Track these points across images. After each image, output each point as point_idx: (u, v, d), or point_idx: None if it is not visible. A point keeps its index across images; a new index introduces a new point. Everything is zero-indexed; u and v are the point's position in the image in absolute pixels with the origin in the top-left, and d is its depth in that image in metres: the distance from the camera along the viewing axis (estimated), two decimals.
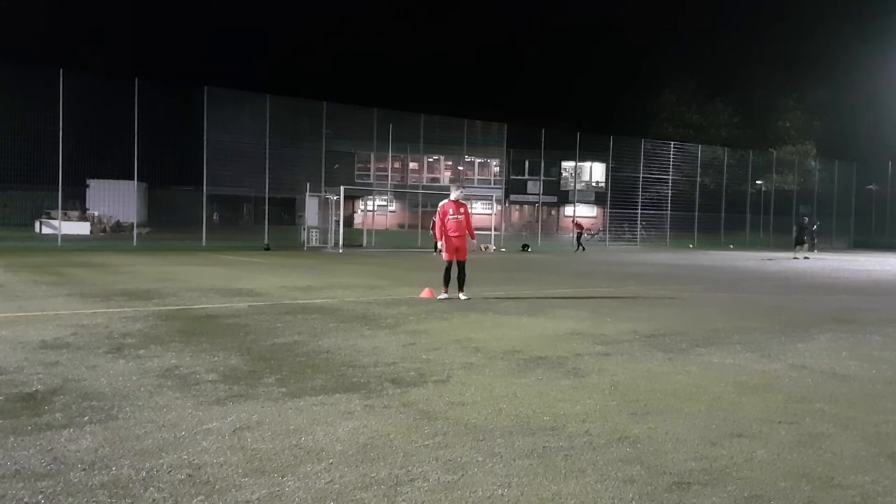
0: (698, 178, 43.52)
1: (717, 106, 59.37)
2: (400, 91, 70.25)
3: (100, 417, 4.37)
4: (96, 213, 35.97)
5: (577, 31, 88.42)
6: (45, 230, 30.94)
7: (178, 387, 5.17)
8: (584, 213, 51.39)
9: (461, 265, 11.33)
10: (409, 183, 43.41)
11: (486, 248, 31.27)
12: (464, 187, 12.13)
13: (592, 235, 46.23)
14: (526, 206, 57.19)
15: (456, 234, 11.29)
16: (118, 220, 36.25)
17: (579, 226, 35.20)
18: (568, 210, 51.09)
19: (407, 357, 6.46)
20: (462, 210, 11.33)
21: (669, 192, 41.71)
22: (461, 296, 11.14)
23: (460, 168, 48.51)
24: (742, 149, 49.40)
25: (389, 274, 16.59)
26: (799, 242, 30.48)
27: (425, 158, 47.97)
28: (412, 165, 44.59)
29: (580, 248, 33.04)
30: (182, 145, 28.62)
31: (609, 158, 40.82)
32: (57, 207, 27.56)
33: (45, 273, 14.42)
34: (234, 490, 3.32)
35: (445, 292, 11.21)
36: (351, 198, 44.70)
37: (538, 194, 45.89)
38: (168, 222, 34.35)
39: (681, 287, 14.76)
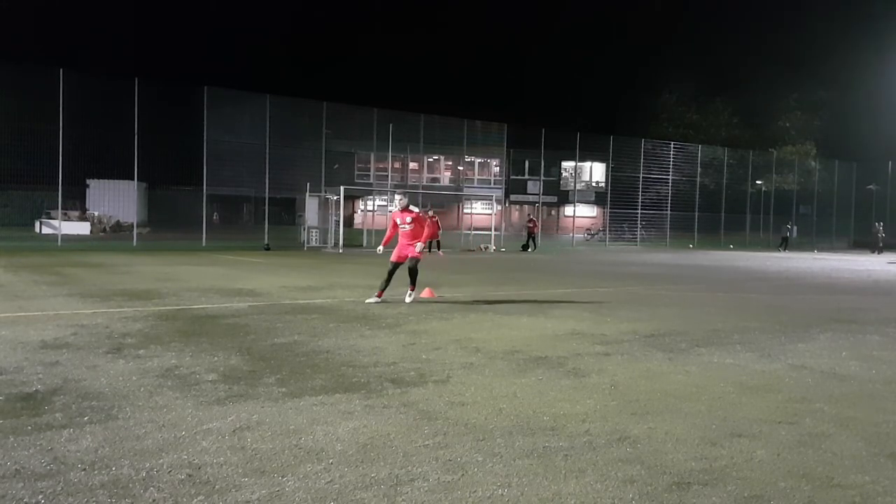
0: (698, 178, 43.49)
1: (717, 106, 59.38)
2: (400, 91, 70.24)
3: (100, 417, 4.37)
4: (96, 213, 35.94)
5: (578, 32, 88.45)
6: (46, 230, 30.93)
7: (178, 387, 5.17)
8: (585, 213, 51.39)
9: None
10: (409, 183, 43.38)
11: (486, 248, 31.27)
12: (404, 195, 11.56)
13: (592, 235, 46.23)
14: (526, 206, 57.18)
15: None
16: (118, 220, 36.22)
17: (533, 223, 34.21)
18: (568, 210, 51.06)
19: (407, 357, 6.46)
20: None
21: (669, 192, 41.68)
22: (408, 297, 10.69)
23: (460, 168, 48.51)
24: (742, 149, 49.39)
25: None
26: None
27: (425, 158, 47.93)
28: (412, 165, 44.56)
29: (532, 247, 31.54)
30: (182, 145, 28.58)
31: (609, 158, 40.80)
32: (57, 207, 27.54)
33: (45, 273, 14.41)
34: (234, 490, 3.32)
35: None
36: (351, 198, 44.71)
37: (538, 194, 45.86)
38: (168, 222, 34.32)
39: (681, 287, 14.76)
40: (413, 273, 10.81)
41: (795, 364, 6.62)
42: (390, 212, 12.27)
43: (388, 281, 10.73)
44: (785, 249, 37.40)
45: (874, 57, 52.15)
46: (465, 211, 42.38)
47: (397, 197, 11.45)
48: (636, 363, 6.47)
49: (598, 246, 39.73)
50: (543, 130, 37.85)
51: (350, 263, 20.03)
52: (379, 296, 10.63)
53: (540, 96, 76.22)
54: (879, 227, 38.82)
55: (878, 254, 35.97)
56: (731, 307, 11.19)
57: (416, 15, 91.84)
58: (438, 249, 26.07)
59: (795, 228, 39.80)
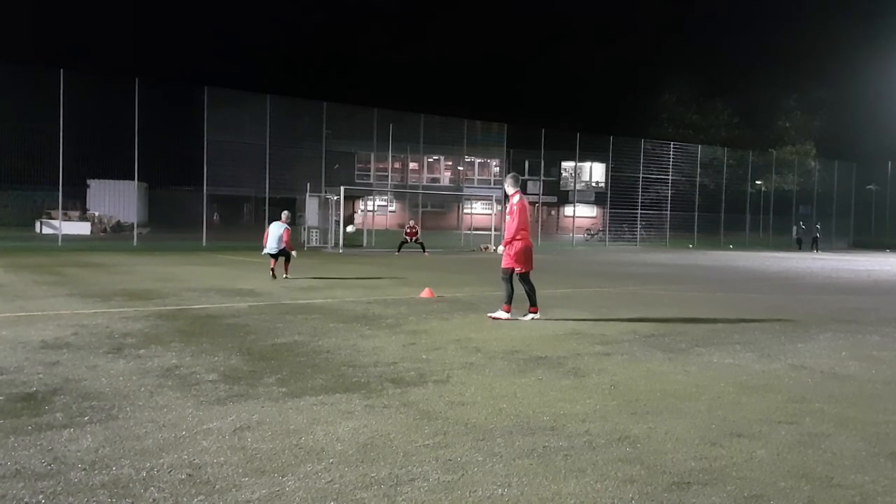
0: (698, 178, 43.49)
1: (717, 106, 59.34)
2: (400, 91, 70.28)
3: (100, 417, 4.38)
4: (97, 214, 35.94)
5: (578, 32, 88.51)
6: (46, 230, 30.91)
7: (178, 387, 5.18)
8: (584, 213, 51.36)
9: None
10: (409, 183, 43.38)
11: (486, 248, 31.29)
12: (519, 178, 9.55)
13: (592, 235, 46.22)
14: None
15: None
16: (118, 221, 36.21)
17: None
18: (568, 210, 51.01)
19: (407, 357, 6.46)
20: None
21: (669, 192, 41.67)
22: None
23: (460, 168, 48.51)
24: (742, 149, 49.37)
25: (389, 274, 16.58)
26: None
27: (425, 158, 47.90)
28: (412, 165, 44.54)
29: None
30: (182, 145, 28.60)
31: (609, 158, 40.79)
32: (57, 207, 27.54)
33: (45, 273, 14.41)
34: (234, 490, 3.32)
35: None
36: (351, 198, 44.67)
37: (538, 194, 45.86)
38: (168, 222, 34.31)
39: (681, 287, 14.76)
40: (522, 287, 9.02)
41: (795, 364, 6.62)
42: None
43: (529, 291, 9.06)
44: (817, 250, 37.38)
45: (874, 57, 52.17)
46: (465, 211, 42.36)
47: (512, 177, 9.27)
48: (636, 363, 6.47)
49: (598, 246, 39.71)
50: (543, 130, 37.85)
51: (350, 263, 20.03)
52: (533, 310, 9.00)
53: (540, 96, 76.32)
54: (801, 226, 40.55)
55: (800, 250, 37.68)
56: (731, 307, 11.19)
57: (416, 15, 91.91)
58: (423, 251, 26.16)
59: (819, 227, 40.07)
